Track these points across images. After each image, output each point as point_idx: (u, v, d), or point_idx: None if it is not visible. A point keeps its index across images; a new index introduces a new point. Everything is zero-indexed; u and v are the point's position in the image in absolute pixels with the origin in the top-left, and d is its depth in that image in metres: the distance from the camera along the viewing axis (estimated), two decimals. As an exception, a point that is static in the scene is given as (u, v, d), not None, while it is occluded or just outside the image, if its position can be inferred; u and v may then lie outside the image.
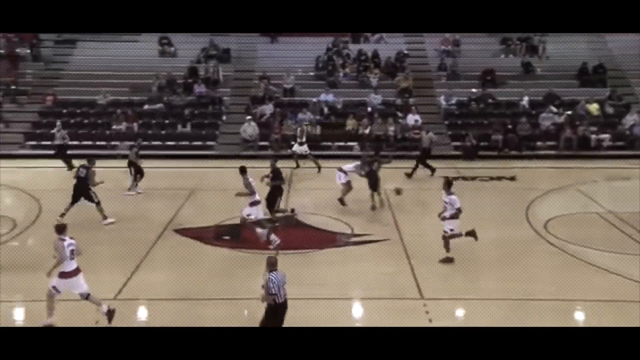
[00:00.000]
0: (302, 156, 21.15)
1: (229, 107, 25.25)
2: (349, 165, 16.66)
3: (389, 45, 27.74)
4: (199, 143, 23.35)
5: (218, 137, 23.60)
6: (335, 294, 11.41)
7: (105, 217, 14.94)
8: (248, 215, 13.68)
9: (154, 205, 16.89)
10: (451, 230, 12.77)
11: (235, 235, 14.31)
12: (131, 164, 17.88)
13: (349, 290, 11.78)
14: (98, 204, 14.93)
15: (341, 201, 16.30)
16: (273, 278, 8.72)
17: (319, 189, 18.44)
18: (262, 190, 14.63)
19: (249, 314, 10.32)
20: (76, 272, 9.79)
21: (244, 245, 13.81)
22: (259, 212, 13.79)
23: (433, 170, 19.72)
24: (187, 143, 23.24)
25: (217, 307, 10.78)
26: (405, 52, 27.14)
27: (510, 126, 22.97)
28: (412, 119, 23.42)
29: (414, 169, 19.74)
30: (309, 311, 10.25)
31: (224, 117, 24.68)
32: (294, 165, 20.91)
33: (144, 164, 18.20)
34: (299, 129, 21.85)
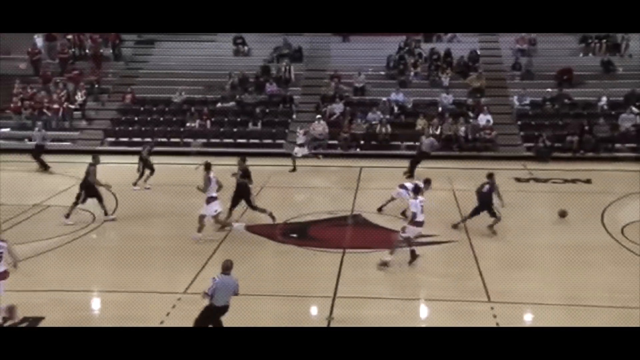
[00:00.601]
0: (305, 156, 20.82)
1: (299, 105, 25.57)
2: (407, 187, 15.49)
3: (461, 44, 27.34)
4: (270, 141, 23.74)
5: (288, 136, 23.95)
6: (398, 294, 11.42)
7: (106, 213, 15.23)
8: (216, 211, 13.85)
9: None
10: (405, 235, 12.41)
11: (302, 233, 14.52)
12: (141, 160, 18.36)
13: (412, 290, 11.74)
14: (100, 200, 15.17)
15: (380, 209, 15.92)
16: (218, 281, 8.77)
17: (385, 189, 18.47)
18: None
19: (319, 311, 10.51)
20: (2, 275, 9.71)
21: (310, 243, 14.00)
22: (214, 208, 13.81)
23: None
24: (257, 141, 23.68)
25: (284, 303, 10.98)
26: (479, 51, 26.66)
27: (587, 127, 22.18)
28: (483, 119, 23.01)
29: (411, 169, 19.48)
30: (370, 311, 10.31)
31: (294, 116, 25.01)
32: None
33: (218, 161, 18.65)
34: (299, 130, 21.35)
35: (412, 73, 26.19)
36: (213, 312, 8.84)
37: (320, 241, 14.16)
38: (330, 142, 23.33)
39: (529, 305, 11.06)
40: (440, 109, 24.08)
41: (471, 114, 23.62)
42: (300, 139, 20.95)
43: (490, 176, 14.57)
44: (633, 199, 17.05)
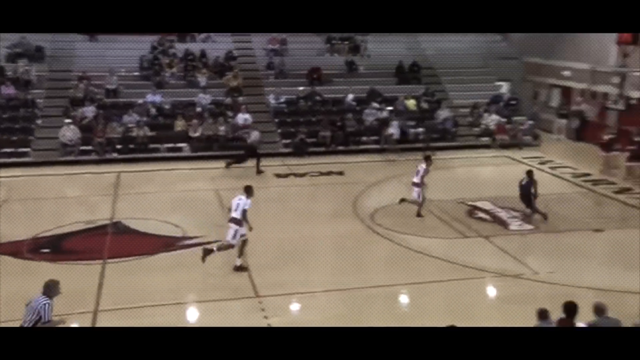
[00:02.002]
0: None
1: (44, 110, 23.32)
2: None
3: (217, 44, 27.37)
4: (10, 150, 21.28)
5: (32, 143, 21.71)
6: (167, 299, 10.99)
7: None
8: None
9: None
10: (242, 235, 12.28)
11: (55, 247, 13.22)
12: None
13: (182, 295, 11.38)
14: None
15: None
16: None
17: (145, 193, 17.81)
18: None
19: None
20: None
21: (65, 257, 12.80)
22: None
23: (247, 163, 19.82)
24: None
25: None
26: (234, 52, 26.96)
27: (338, 123, 23.74)
28: (241, 118, 23.33)
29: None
30: (141, 320, 9.76)
31: (39, 121, 22.77)
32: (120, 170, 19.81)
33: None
34: None
35: (167, 74, 25.53)
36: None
37: (77, 254, 13.02)
38: (84, 147, 21.70)
39: (296, 295, 11.40)
40: (199, 109, 23.85)
41: (230, 114, 23.80)
42: None
43: (529, 173, 15.34)
44: (379, 187, 18.68)
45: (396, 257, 13.32)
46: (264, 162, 20.46)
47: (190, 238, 14.06)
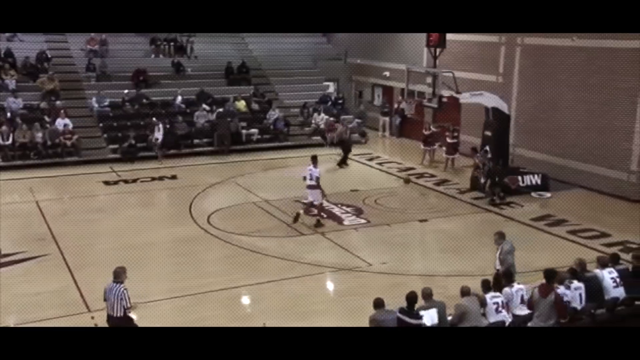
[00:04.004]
0: None
1: None
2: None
3: (25, 43, 25.08)
4: None
5: None
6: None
7: None
8: None
9: None
10: None
11: None
12: None
13: (6, 317, 10.32)
14: None
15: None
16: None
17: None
18: None
19: None
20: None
21: None
22: None
23: None
24: None
25: None
26: (48, 52, 24.94)
27: (168, 126, 22.96)
28: (61, 123, 21.69)
29: None
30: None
31: None
32: None
33: None
34: None
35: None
36: None
37: None
38: None
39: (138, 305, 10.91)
40: (9, 114, 21.71)
41: (47, 119, 21.99)
42: None
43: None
44: (214, 189, 18.38)
45: (234, 258, 13.18)
46: (89, 169, 19.21)
47: (8, 255, 12.86)
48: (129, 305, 8.56)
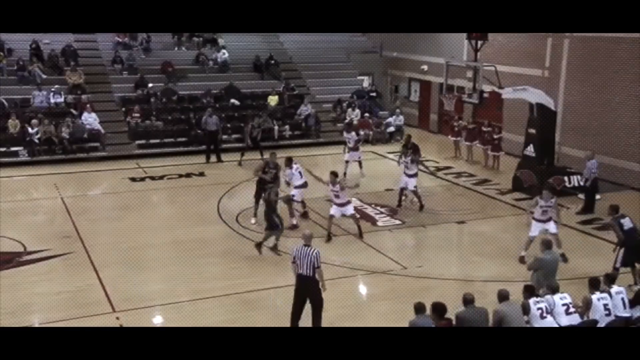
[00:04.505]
0: None
1: None
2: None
3: (52, 35, 24.46)
4: None
5: None
6: (9, 323, 9.47)
7: None
8: None
9: None
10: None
11: None
12: None
13: (24, 317, 9.92)
14: None
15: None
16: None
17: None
18: None
19: None
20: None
21: None
22: None
23: None
24: None
25: None
26: (74, 44, 24.38)
27: (194, 120, 22.29)
28: (87, 117, 21.23)
29: None
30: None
31: None
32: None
33: None
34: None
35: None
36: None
37: None
38: None
39: (157, 307, 10.52)
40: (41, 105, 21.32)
41: (75, 112, 21.54)
42: None
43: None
44: (243, 187, 17.54)
45: (262, 259, 12.48)
46: (115, 165, 18.68)
47: (32, 253, 12.54)
48: (319, 265, 9.16)
